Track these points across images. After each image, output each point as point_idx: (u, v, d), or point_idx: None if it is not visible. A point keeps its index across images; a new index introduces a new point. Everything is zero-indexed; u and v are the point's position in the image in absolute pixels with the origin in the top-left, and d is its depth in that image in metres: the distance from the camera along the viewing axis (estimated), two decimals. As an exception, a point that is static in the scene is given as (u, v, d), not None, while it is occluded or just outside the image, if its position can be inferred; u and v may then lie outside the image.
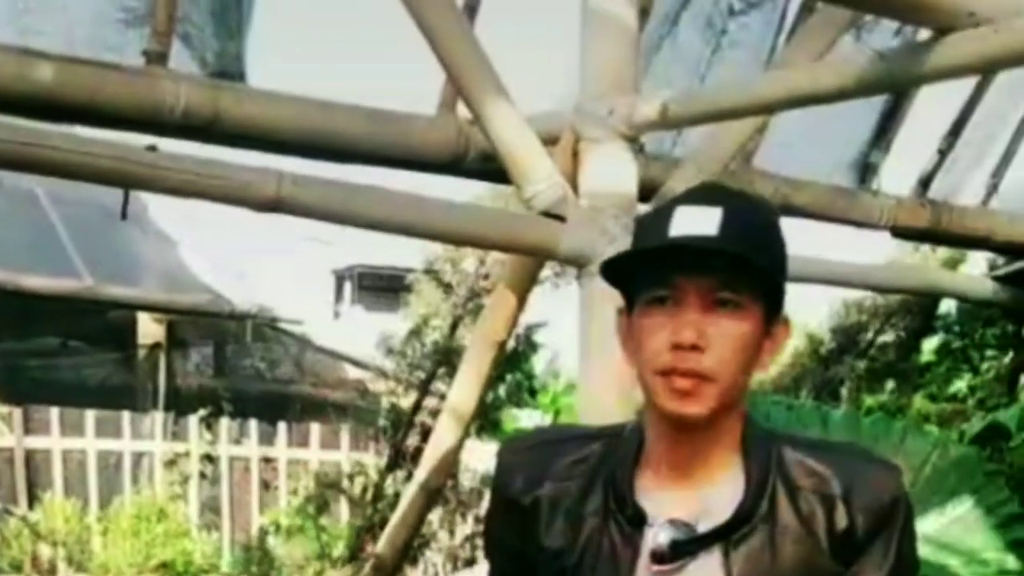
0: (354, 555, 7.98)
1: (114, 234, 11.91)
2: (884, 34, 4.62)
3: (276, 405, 12.11)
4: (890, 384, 7.10)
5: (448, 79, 3.30)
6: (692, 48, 4.78)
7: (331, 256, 22.60)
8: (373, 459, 12.20)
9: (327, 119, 3.80)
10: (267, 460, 11.76)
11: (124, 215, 5.95)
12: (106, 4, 3.48)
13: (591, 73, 3.73)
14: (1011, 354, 6.80)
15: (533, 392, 7.05)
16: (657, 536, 1.76)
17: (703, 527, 1.76)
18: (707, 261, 1.72)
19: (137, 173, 2.78)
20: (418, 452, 7.81)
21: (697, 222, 1.74)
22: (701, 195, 1.81)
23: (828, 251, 4.98)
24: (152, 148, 2.82)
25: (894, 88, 4.50)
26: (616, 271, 1.81)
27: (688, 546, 1.75)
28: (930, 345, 7.64)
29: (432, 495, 4.04)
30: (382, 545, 4.16)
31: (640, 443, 1.83)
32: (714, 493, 1.79)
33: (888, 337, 7.51)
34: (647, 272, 1.76)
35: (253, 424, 11.56)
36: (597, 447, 1.88)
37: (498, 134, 3.43)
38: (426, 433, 7.90)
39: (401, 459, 8.29)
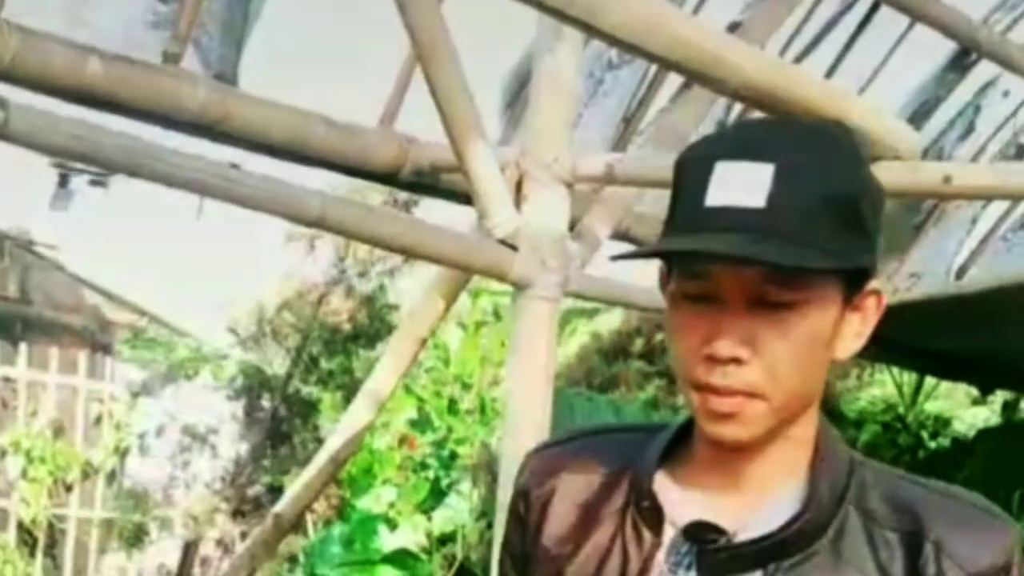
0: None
1: None
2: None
3: (14, 325, 12.03)
4: (658, 381, 8.09)
5: (440, 117, 3.80)
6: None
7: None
8: (108, 387, 12.35)
9: (303, 127, 4.24)
10: (6, 380, 11.70)
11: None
12: (137, 8, 3.81)
13: (538, 121, 4.32)
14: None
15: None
16: (681, 541, 1.38)
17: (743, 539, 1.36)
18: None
19: (217, 185, 3.22)
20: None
21: (739, 188, 1.26)
22: (752, 139, 1.32)
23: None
24: (235, 166, 3.25)
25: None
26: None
27: (716, 556, 1.35)
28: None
29: (339, 466, 4.56)
30: (284, 505, 4.64)
31: (678, 437, 1.45)
32: (765, 506, 1.38)
33: (660, 337, 8.48)
34: (677, 251, 1.33)
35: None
36: (636, 438, 1.49)
37: (472, 168, 3.99)
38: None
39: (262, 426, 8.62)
